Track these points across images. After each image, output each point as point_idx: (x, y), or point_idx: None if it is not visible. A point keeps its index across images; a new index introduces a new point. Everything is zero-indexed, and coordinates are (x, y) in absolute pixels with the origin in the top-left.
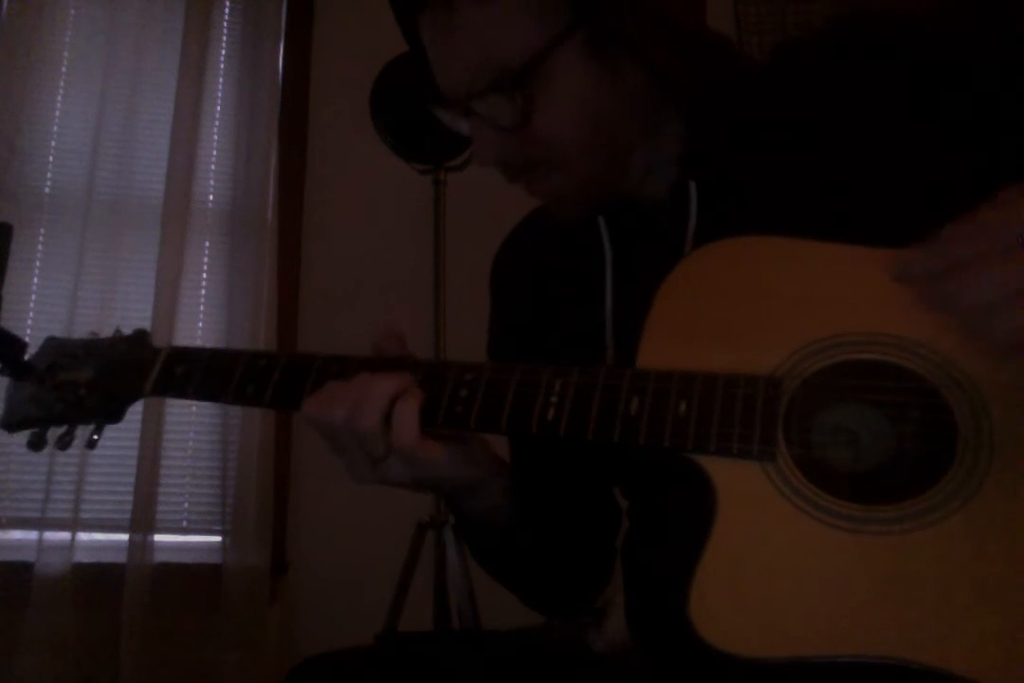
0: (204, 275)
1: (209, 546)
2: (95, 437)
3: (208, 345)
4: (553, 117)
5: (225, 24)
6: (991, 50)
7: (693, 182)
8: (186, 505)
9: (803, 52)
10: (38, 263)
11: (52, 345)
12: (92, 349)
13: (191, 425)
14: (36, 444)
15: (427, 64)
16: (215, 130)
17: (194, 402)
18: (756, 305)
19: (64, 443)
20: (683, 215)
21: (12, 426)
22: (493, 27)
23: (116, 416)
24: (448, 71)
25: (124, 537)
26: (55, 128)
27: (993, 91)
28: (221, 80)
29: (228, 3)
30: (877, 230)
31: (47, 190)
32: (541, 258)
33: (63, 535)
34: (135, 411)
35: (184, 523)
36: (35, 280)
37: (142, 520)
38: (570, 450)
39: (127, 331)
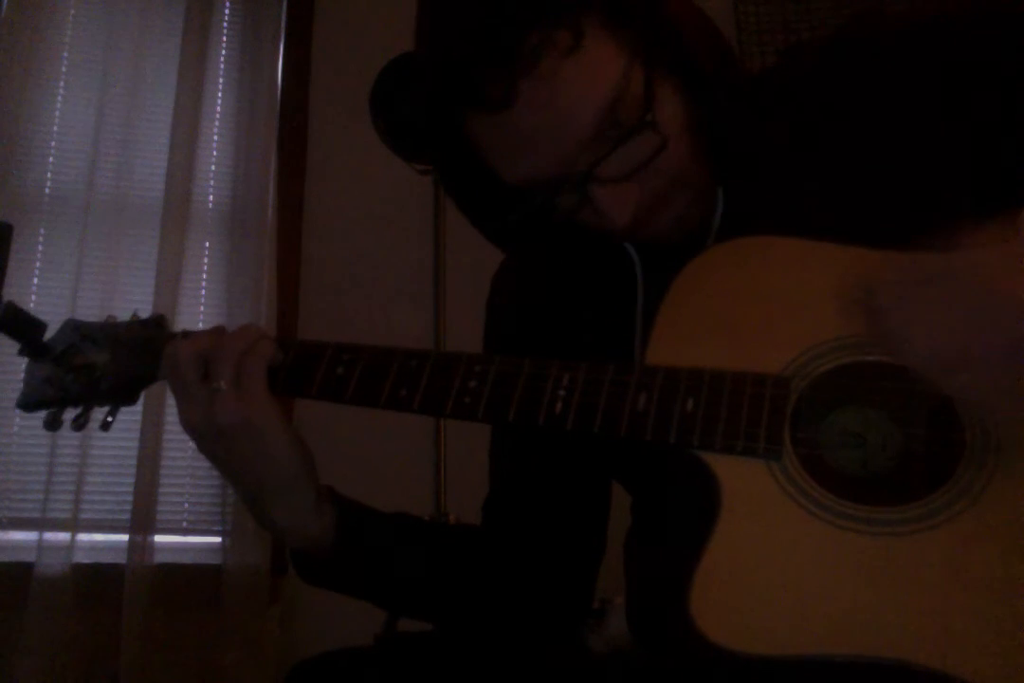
0: (204, 275)
1: (209, 546)
2: (109, 419)
3: None
4: (670, 135)
5: (225, 24)
6: (1013, 52)
7: (721, 189)
8: (186, 505)
9: (812, 55)
10: (38, 263)
11: (71, 327)
12: (110, 332)
13: None
14: (52, 424)
15: (491, 174)
16: (215, 130)
17: None
18: (766, 305)
19: (79, 424)
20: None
21: (29, 406)
22: (587, 70)
23: (131, 399)
24: (554, 140)
25: (124, 538)
26: (55, 128)
27: (1013, 93)
28: (221, 80)
29: (228, 3)
30: (879, 231)
31: (47, 190)
32: (554, 287)
33: (63, 536)
34: (135, 411)
35: (184, 524)
36: (35, 280)
37: (142, 521)
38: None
39: (144, 315)
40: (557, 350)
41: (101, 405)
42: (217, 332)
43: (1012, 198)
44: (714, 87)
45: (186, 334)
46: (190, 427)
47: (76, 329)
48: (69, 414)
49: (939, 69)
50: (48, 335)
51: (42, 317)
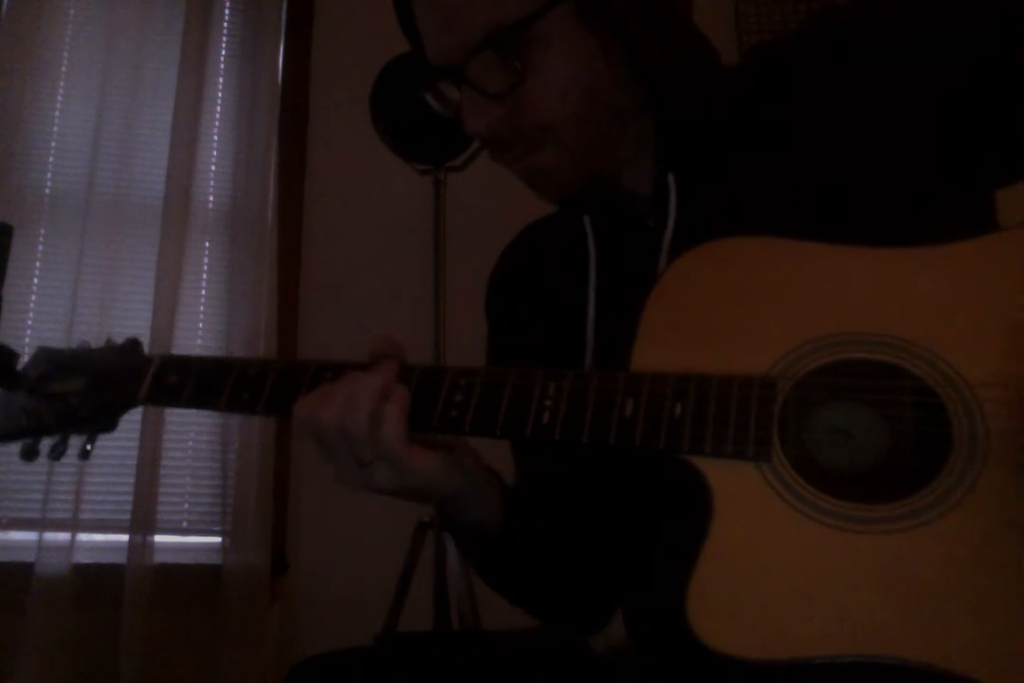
0: (204, 275)
1: (209, 547)
2: (88, 447)
3: (208, 344)
4: (545, 84)
5: (225, 24)
6: (973, 49)
7: (672, 175)
8: (186, 505)
9: (776, 53)
10: (38, 263)
11: (44, 355)
12: (84, 358)
13: (191, 425)
14: (29, 454)
15: (420, 41)
16: (215, 130)
17: (191, 409)
18: (750, 306)
19: (57, 453)
20: (664, 209)
21: (5, 437)
22: None
23: (109, 426)
24: (441, 35)
25: (124, 538)
26: (55, 128)
27: (976, 89)
28: (221, 80)
29: (228, 3)
30: (859, 228)
31: (47, 190)
32: (532, 272)
33: (63, 536)
34: (135, 412)
35: (184, 524)
36: (35, 280)
37: (142, 521)
38: (571, 454)
39: (123, 337)
40: (529, 337)
41: (79, 433)
42: (344, 392)
43: (982, 187)
44: (660, 73)
45: (310, 378)
46: (346, 486)
47: (49, 357)
48: (47, 443)
49: (901, 64)
50: (21, 363)
51: (42, 317)
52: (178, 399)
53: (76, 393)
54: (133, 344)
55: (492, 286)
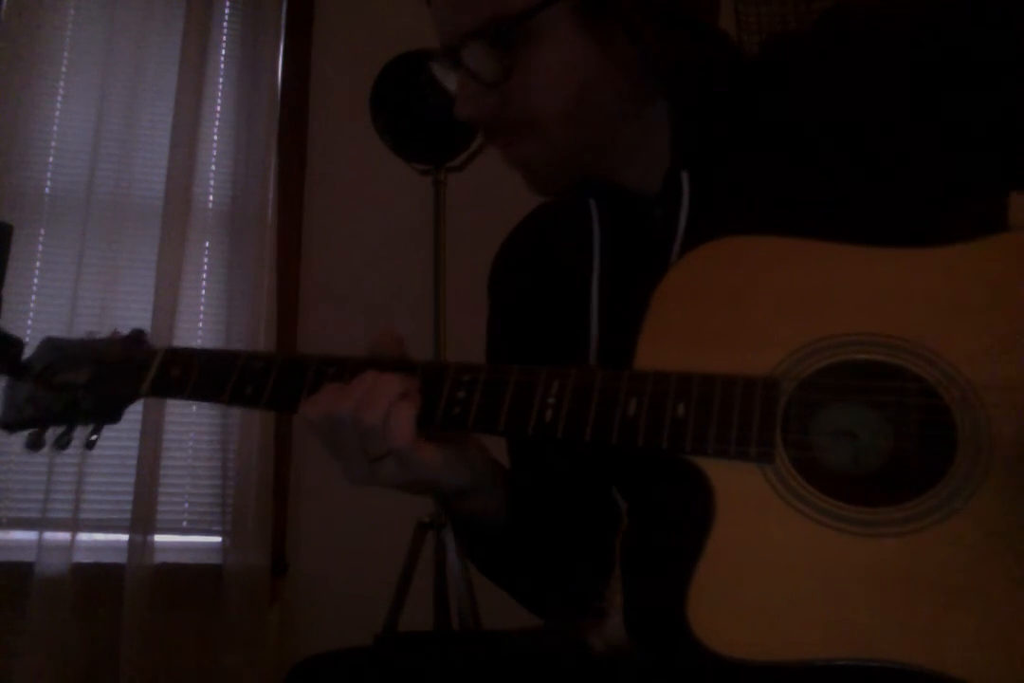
0: (204, 275)
1: (209, 546)
2: (93, 438)
3: (208, 345)
4: (535, 78)
5: (225, 24)
6: (991, 48)
7: (685, 173)
8: (186, 505)
9: (792, 49)
10: (38, 263)
11: (49, 345)
12: (89, 349)
13: (191, 425)
14: (34, 444)
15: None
16: (215, 130)
17: (194, 402)
18: (754, 305)
19: (62, 444)
20: (675, 206)
21: (11, 426)
22: None
23: (114, 417)
24: (444, 16)
25: (124, 537)
26: (55, 128)
27: (993, 89)
28: (221, 80)
29: (228, 3)
30: (870, 227)
31: (47, 190)
32: (537, 256)
33: (63, 535)
34: (135, 411)
35: (184, 523)
36: (35, 280)
37: (142, 520)
38: (569, 451)
39: (125, 332)
40: (530, 323)
41: (84, 424)
42: (366, 386)
43: (991, 187)
44: (674, 70)
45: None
46: (353, 481)
47: (55, 347)
48: (52, 433)
49: (914, 61)
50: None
51: (42, 317)
52: (181, 391)
53: (81, 384)
54: (138, 335)
55: (496, 266)
